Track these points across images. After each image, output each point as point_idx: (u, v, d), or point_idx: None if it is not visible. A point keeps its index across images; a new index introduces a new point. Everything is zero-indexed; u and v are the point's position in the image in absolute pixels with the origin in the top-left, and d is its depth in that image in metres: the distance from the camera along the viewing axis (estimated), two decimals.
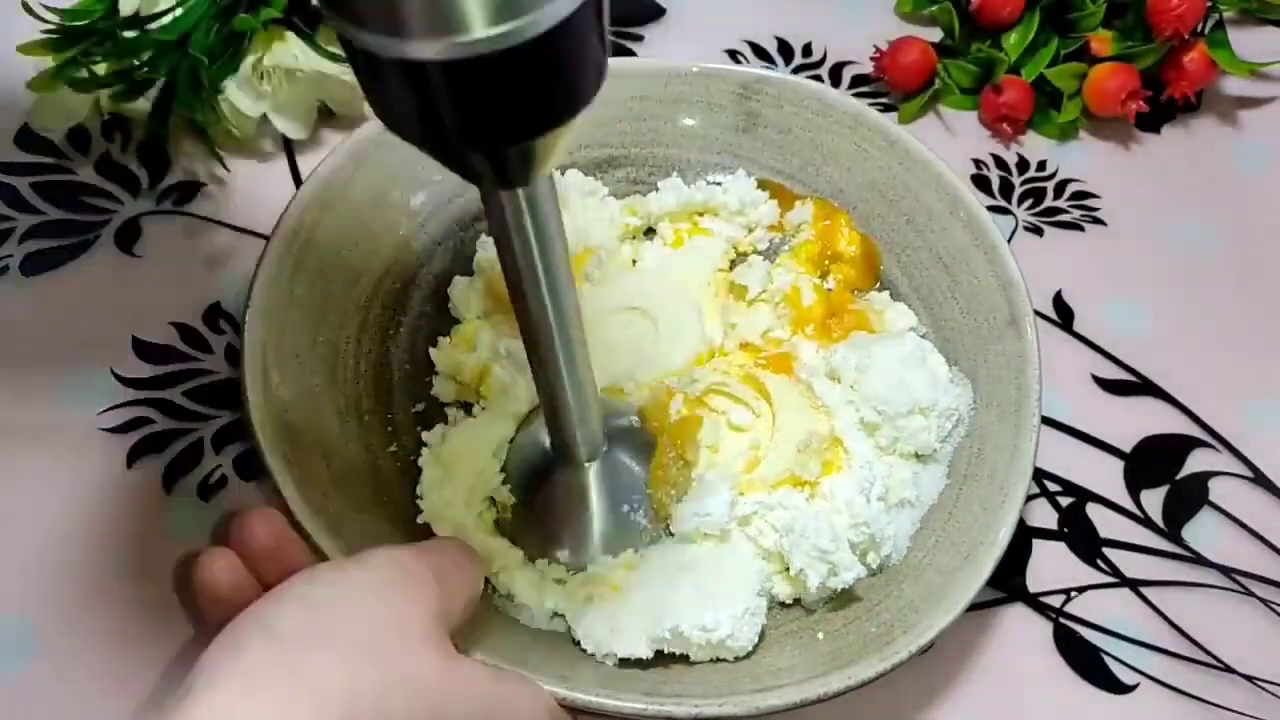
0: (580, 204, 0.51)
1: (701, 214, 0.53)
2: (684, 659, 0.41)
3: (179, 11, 0.51)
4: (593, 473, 0.43)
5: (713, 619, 0.39)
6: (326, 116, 0.56)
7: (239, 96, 0.53)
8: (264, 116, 0.54)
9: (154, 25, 0.51)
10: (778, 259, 0.52)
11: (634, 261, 0.52)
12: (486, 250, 0.50)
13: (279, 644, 0.29)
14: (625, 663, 0.41)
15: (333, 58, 0.54)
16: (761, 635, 0.41)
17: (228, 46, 0.52)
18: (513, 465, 0.45)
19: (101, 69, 0.51)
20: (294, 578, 0.33)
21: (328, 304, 0.47)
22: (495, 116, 0.26)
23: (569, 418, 0.39)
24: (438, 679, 0.31)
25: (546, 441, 0.42)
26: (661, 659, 0.41)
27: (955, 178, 0.51)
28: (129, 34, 0.51)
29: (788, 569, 0.42)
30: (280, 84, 0.53)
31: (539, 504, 0.44)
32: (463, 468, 0.44)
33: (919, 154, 0.51)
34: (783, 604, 0.43)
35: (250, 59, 0.52)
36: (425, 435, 0.46)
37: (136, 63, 0.51)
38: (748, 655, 0.40)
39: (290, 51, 0.53)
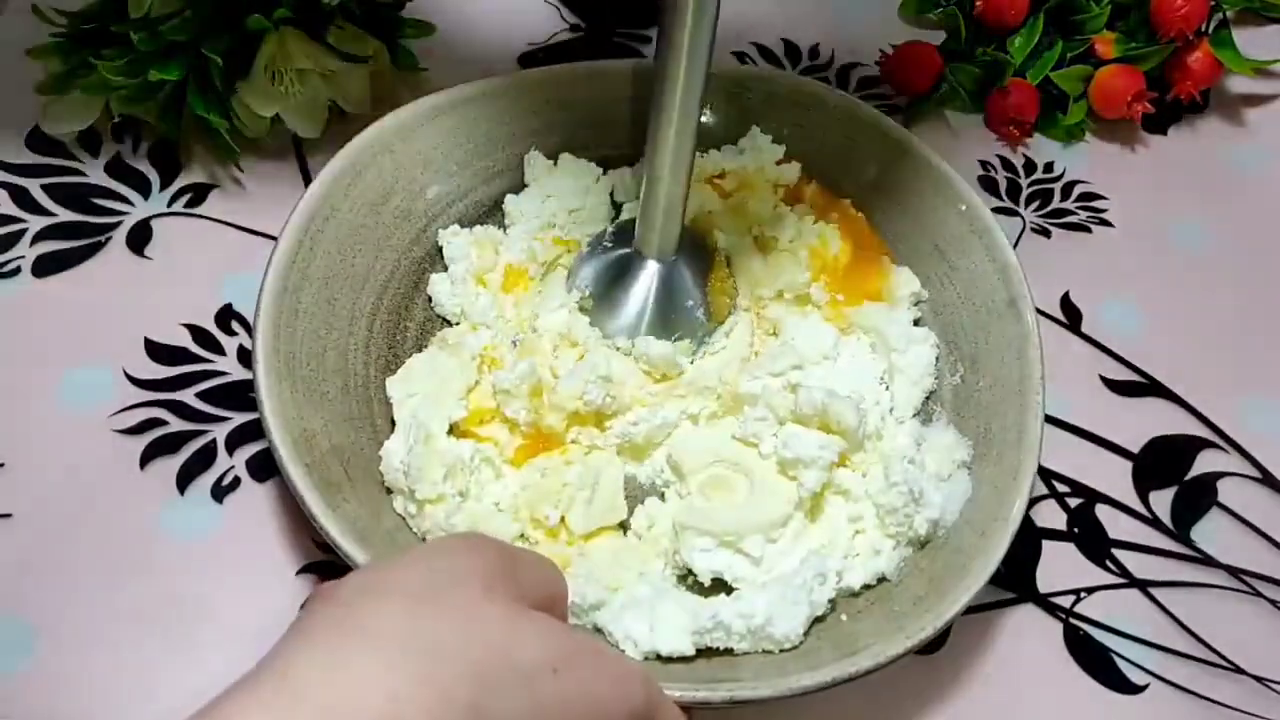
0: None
1: (721, 176, 0.53)
2: (729, 653, 0.41)
3: (188, 13, 0.51)
4: (662, 269, 0.49)
5: (749, 605, 0.39)
6: (338, 116, 0.56)
7: (251, 97, 0.53)
8: (276, 117, 0.54)
9: (165, 26, 0.51)
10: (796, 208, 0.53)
11: None
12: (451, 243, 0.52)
13: (336, 606, 0.29)
14: (668, 660, 0.40)
15: (343, 56, 0.54)
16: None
17: (239, 47, 0.52)
18: (589, 270, 0.50)
19: (112, 70, 0.51)
20: None
21: (334, 312, 0.47)
22: None
23: (660, 205, 0.46)
24: (503, 620, 0.29)
25: (618, 251, 0.49)
26: (704, 655, 0.41)
27: (949, 169, 0.51)
28: (139, 35, 0.51)
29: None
30: (292, 84, 0.53)
31: (615, 293, 0.49)
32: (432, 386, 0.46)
33: (914, 147, 0.52)
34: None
35: (262, 59, 0.52)
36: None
37: (148, 65, 0.51)
38: (794, 646, 0.41)
39: (302, 51, 0.53)
